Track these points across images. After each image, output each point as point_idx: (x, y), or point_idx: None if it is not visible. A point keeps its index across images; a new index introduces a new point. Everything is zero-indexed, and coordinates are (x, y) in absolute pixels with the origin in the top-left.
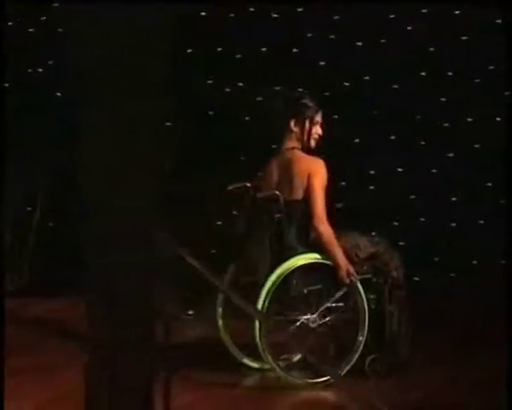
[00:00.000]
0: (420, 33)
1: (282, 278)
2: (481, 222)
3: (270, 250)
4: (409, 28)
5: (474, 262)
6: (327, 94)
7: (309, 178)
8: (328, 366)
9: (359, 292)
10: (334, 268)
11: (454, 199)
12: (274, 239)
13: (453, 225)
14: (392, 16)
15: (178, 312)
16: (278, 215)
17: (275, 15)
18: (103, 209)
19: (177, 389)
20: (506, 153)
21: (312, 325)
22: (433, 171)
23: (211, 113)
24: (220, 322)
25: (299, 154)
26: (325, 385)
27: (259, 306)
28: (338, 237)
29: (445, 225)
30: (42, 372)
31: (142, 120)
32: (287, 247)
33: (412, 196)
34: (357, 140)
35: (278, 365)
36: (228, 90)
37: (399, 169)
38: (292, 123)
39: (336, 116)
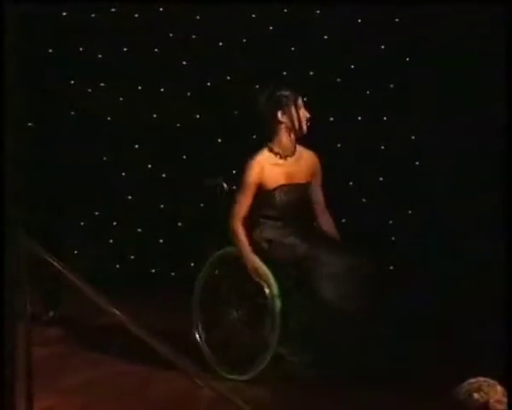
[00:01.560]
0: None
1: (207, 266)
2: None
3: (207, 237)
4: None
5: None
6: (188, 94)
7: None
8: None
9: (267, 292)
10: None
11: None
12: (214, 228)
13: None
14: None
15: (39, 313)
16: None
17: (136, 15)
18: None
19: (40, 395)
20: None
21: (227, 319)
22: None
23: (72, 113)
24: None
25: (262, 152)
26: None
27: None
28: (254, 228)
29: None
30: None
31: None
32: (221, 236)
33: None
34: None
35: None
36: (90, 90)
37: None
38: (279, 114)
39: None
